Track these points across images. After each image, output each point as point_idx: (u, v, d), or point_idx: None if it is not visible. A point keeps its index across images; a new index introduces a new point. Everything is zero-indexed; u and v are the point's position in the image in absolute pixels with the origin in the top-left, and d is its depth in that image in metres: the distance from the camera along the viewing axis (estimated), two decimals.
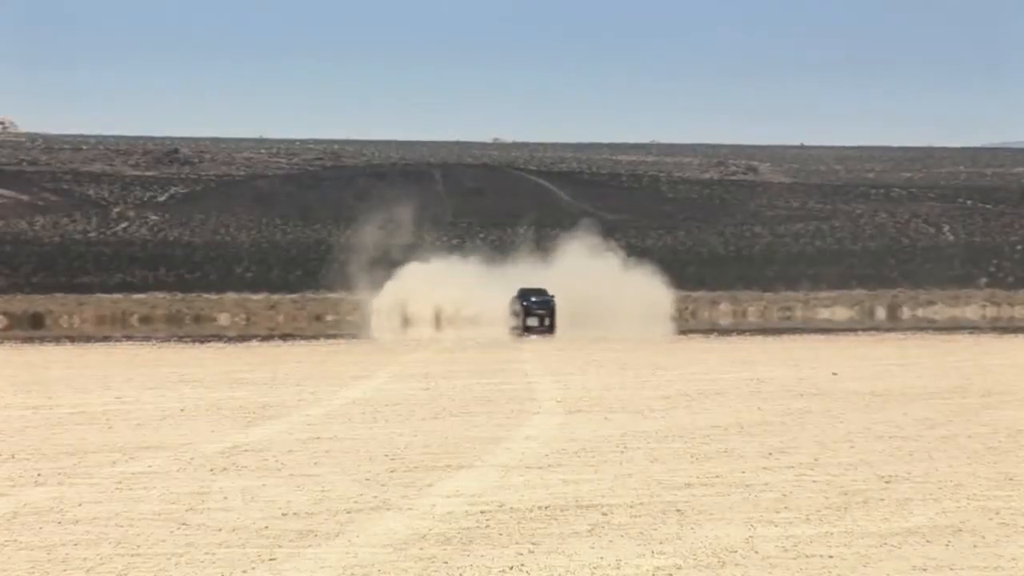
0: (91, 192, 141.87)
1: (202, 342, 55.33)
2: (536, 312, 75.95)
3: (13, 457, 16.13)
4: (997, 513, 11.52)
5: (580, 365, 34.53)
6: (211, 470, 14.71)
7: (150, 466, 15.10)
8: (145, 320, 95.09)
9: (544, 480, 13.61)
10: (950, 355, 38.47)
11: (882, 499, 12.24)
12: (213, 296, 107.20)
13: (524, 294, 78.02)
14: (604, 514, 11.56)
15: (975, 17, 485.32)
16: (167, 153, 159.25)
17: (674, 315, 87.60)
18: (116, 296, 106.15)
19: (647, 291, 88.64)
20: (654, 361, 35.90)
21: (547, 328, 71.00)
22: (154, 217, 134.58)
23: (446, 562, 9.72)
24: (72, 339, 62.02)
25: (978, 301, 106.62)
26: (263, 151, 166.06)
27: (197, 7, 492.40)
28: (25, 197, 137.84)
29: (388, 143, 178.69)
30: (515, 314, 77.16)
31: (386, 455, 15.82)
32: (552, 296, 76.93)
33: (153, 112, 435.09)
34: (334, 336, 61.45)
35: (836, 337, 54.56)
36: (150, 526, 11.25)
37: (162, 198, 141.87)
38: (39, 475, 14.50)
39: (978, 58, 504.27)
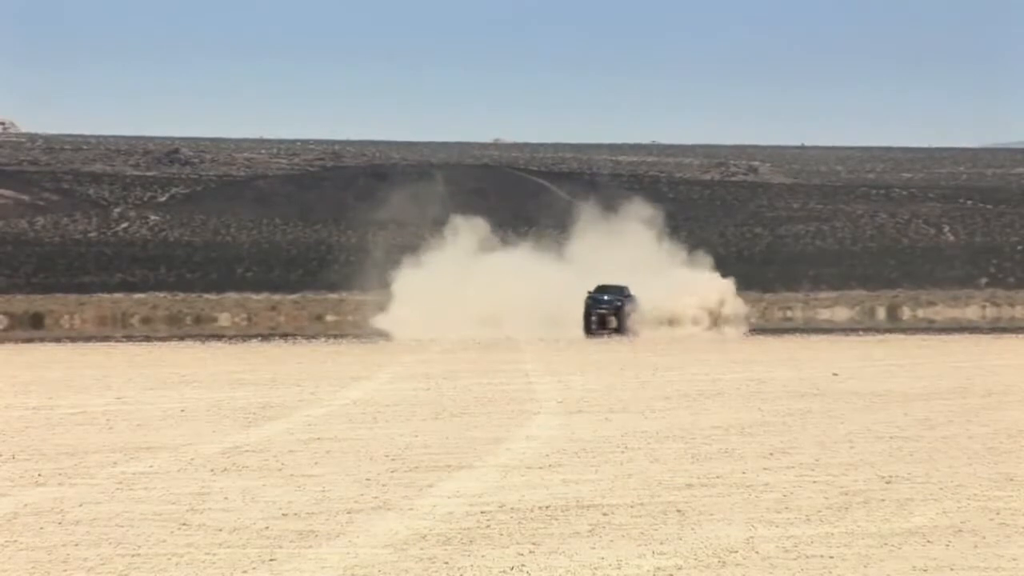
0: (92, 192, 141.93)
1: (203, 342, 55.36)
2: (599, 312, 73.95)
3: (13, 457, 16.13)
4: (998, 513, 11.52)
5: (580, 365, 34.54)
6: (212, 470, 14.71)
7: (151, 466, 15.10)
8: (146, 320, 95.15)
9: (545, 480, 13.61)
10: (950, 355, 38.48)
11: (883, 499, 12.24)
12: (214, 296, 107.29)
13: (599, 291, 75.59)
14: (605, 514, 11.56)
15: (975, 17, 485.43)
16: (168, 153, 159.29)
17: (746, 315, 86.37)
18: (117, 296, 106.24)
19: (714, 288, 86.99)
20: (654, 362, 35.91)
21: (614, 329, 68.97)
22: (155, 217, 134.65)
23: (447, 562, 9.72)
24: (72, 339, 62.06)
25: (978, 301, 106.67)
26: (264, 151, 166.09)
27: (198, 7, 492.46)
28: (26, 197, 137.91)
29: (389, 143, 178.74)
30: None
31: (387, 455, 15.82)
32: (626, 297, 74.75)
33: (154, 112, 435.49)
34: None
35: (836, 337, 54.56)
36: (151, 526, 11.26)
37: (163, 198, 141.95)
38: (39, 475, 14.51)
39: (978, 58, 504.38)
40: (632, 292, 75.89)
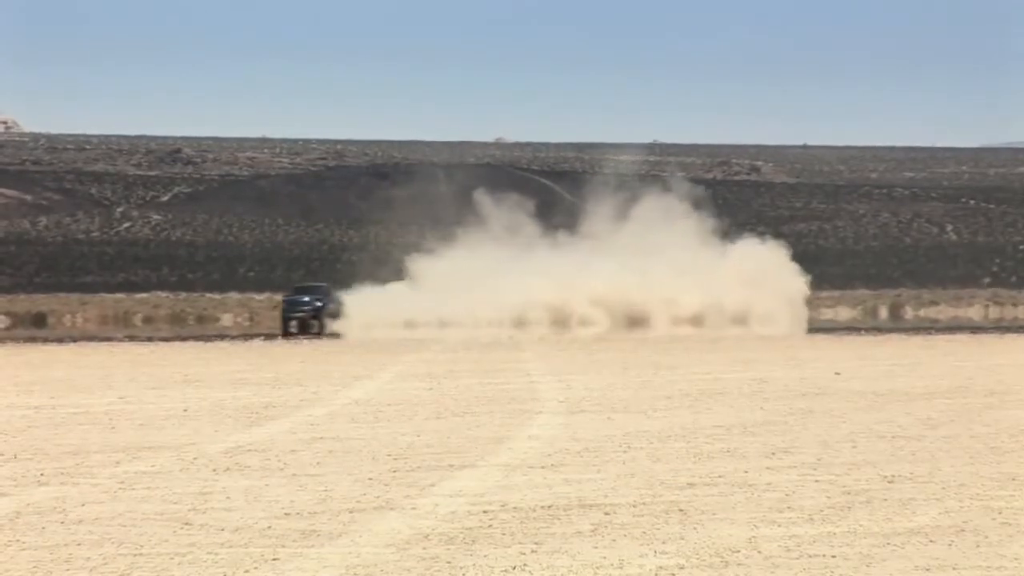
0: (94, 192, 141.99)
1: (205, 342, 55.36)
2: (297, 314, 69.42)
3: (16, 457, 16.14)
4: (1000, 513, 11.52)
5: (583, 365, 34.54)
6: (214, 470, 14.72)
7: (153, 466, 15.11)
8: (148, 320, 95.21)
9: (547, 480, 13.61)
10: (953, 355, 38.46)
11: (885, 499, 12.24)
12: (216, 296, 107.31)
13: (297, 291, 72.14)
14: (607, 514, 11.56)
15: (978, 16, 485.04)
16: (170, 153, 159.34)
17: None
18: (119, 296, 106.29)
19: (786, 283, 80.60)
20: (656, 361, 35.91)
21: (316, 332, 65.11)
22: (157, 217, 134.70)
23: (449, 562, 9.73)
24: (75, 339, 62.07)
25: (981, 301, 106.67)
26: (266, 151, 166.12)
27: (200, 6, 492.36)
28: (28, 197, 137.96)
29: (391, 143, 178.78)
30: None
31: (389, 455, 15.83)
32: (326, 296, 70.81)
33: (156, 111, 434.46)
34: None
35: (839, 337, 54.54)
36: (153, 526, 11.26)
37: (165, 198, 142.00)
38: (42, 475, 14.52)
39: (981, 58, 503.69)
40: (334, 291, 72.24)
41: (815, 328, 65.68)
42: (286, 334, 64.39)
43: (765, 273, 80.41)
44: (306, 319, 69.17)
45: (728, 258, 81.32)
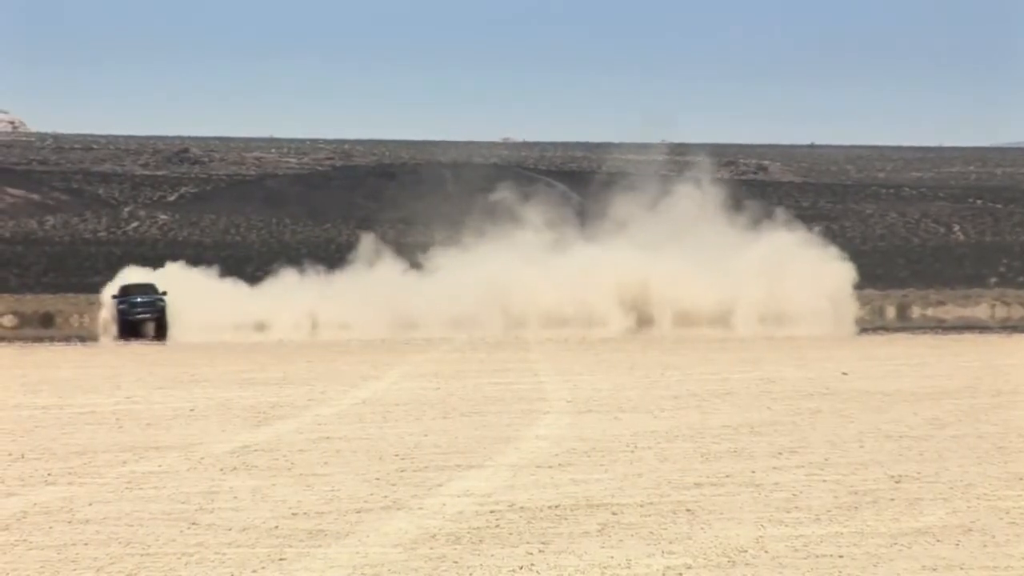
0: (101, 192, 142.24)
1: (212, 341, 55.36)
2: (137, 316, 64.26)
3: (23, 457, 16.16)
4: (1007, 513, 11.50)
5: (590, 365, 34.53)
6: (221, 470, 14.73)
7: (160, 466, 15.12)
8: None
9: (554, 479, 13.61)
10: (960, 355, 38.42)
11: (892, 499, 12.23)
12: None
13: (125, 292, 66.18)
14: (614, 513, 11.55)
15: (985, 16, 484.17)
16: (177, 153, 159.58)
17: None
18: None
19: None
20: (663, 361, 35.90)
21: (156, 335, 61.98)
22: (164, 217, 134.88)
23: (456, 562, 9.72)
24: (82, 339, 62.12)
25: (988, 301, 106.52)
26: (273, 151, 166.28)
27: (207, 6, 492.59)
28: (35, 197, 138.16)
29: (398, 142, 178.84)
30: (115, 317, 66.16)
31: (396, 455, 15.83)
32: (162, 294, 65.34)
33: (163, 112, 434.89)
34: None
35: (846, 337, 54.49)
36: (160, 526, 11.27)
37: (172, 198, 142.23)
38: (49, 475, 14.53)
39: (988, 57, 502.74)
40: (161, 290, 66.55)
41: (866, 328, 64.56)
42: (124, 336, 61.27)
43: (798, 266, 74.78)
44: (149, 320, 64.63)
45: (755, 251, 75.22)
